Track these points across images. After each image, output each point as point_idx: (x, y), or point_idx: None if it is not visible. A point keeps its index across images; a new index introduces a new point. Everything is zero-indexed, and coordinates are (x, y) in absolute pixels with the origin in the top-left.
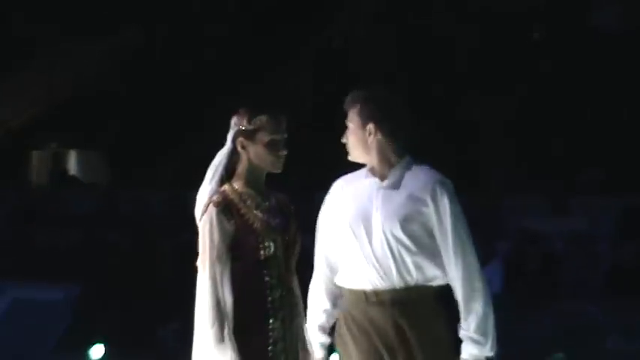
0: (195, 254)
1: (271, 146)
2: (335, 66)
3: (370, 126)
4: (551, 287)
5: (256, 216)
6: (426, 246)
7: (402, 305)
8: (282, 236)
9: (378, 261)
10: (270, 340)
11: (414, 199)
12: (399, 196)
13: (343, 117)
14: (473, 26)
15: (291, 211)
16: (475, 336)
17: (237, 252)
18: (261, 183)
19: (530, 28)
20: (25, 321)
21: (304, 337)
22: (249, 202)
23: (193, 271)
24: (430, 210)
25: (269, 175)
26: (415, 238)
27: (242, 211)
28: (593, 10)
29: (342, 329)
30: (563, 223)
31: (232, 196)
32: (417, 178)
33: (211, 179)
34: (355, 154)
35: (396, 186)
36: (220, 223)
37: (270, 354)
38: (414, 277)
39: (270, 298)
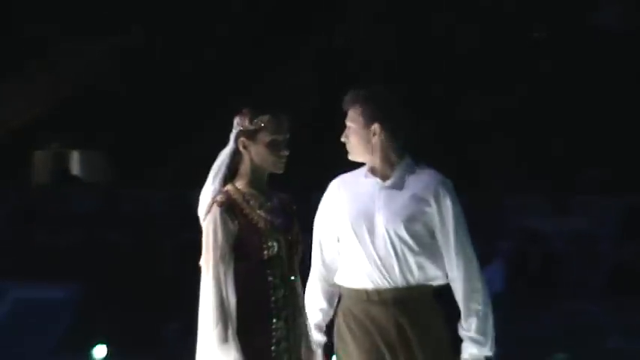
0: (197, 254)
1: (273, 146)
2: (336, 66)
3: (375, 126)
4: (552, 287)
5: (260, 216)
6: (427, 246)
7: (404, 304)
8: (286, 236)
9: (381, 260)
10: (274, 340)
11: (417, 199)
12: (402, 196)
13: (343, 117)
14: (473, 26)
15: (293, 211)
16: (475, 336)
17: (241, 252)
18: (263, 183)
19: (531, 28)
20: (27, 321)
21: (308, 336)
22: (252, 202)
23: (195, 271)
24: (433, 210)
25: (271, 174)
26: (418, 238)
27: (245, 211)
28: (594, 10)
29: (341, 327)
30: (563, 223)
31: (236, 196)
32: (419, 178)
33: (214, 179)
34: (357, 154)
35: (398, 186)
36: (224, 222)
37: (274, 354)
38: (416, 277)
39: (273, 298)
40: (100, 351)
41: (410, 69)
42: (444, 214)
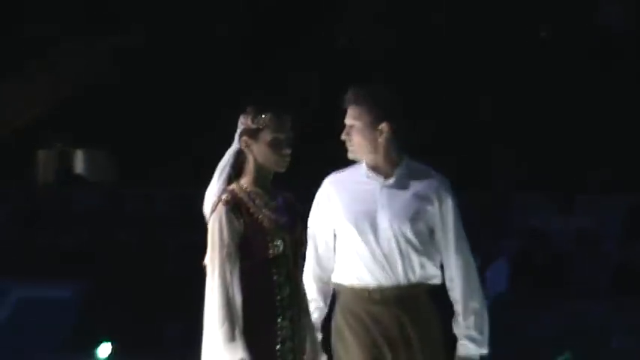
0: (202, 253)
1: (274, 145)
2: (340, 66)
3: (383, 125)
4: (556, 286)
5: (265, 215)
6: (428, 245)
7: (405, 302)
8: (291, 235)
9: (385, 258)
10: (279, 339)
11: (419, 198)
12: (405, 195)
13: (343, 115)
14: (478, 25)
15: (298, 210)
16: (473, 334)
17: (246, 251)
18: (268, 182)
19: (537, 27)
20: (31, 320)
21: (312, 335)
22: (257, 200)
23: (200, 270)
24: (435, 209)
25: (276, 173)
26: (420, 237)
27: (251, 209)
28: (601, 10)
29: (340, 326)
30: (568, 222)
31: (241, 194)
32: (420, 176)
33: (219, 178)
34: (360, 153)
35: (400, 185)
36: (230, 221)
37: (278, 353)
38: (417, 275)
39: (278, 297)
40: (104, 350)
41: (415, 68)
42: (445, 213)
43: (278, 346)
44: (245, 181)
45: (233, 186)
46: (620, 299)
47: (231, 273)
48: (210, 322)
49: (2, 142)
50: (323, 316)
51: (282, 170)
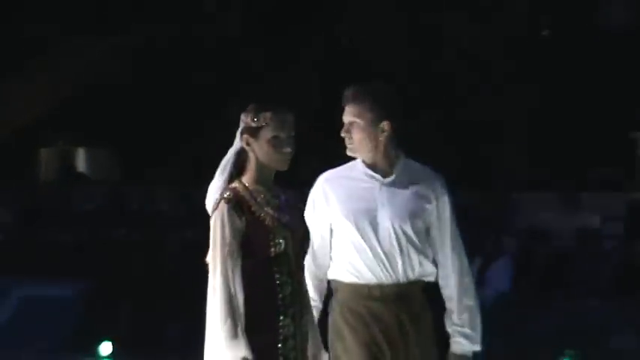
0: (203, 251)
1: (275, 143)
2: (341, 65)
3: (384, 123)
4: (559, 285)
5: (267, 213)
6: (425, 242)
7: (403, 299)
8: (293, 233)
9: (385, 255)
10: (281, 338)
11: (418, 196)
12: (405, 193)
13: (341, 113)
14: (483, 24)
15: (300, 208)
16: (467, 331)
17: (248, 249)
18: (270, 180)
19: (539, 26)
20: (33, 319)
21: (314, 333)
22: (259, 198)
23: (201, 268)
24: (433, 207)
25: (278, 172)
26: (419, 234)
27: (253, 208)
28: (601, 8)
29: (338, 323)
30: (572, 220)
31: (243, 192)
32: (418, 174)
33: (220, 176)
34: (360, 151)
35: (399, 182)
36: (231, 219)
37: (281, 351)
38: (416, 272)
39: (280, 295)
40: (105, 348)
41: (418, 67)
42: (442, 212)
43: (280, 344)
44: (247, 179)
45: (235, 184)
46: (622, 298)
47: (233, 271)
48: (212, 320)
49: (4, 141)
50: (318, 314)
51: (284, 169)
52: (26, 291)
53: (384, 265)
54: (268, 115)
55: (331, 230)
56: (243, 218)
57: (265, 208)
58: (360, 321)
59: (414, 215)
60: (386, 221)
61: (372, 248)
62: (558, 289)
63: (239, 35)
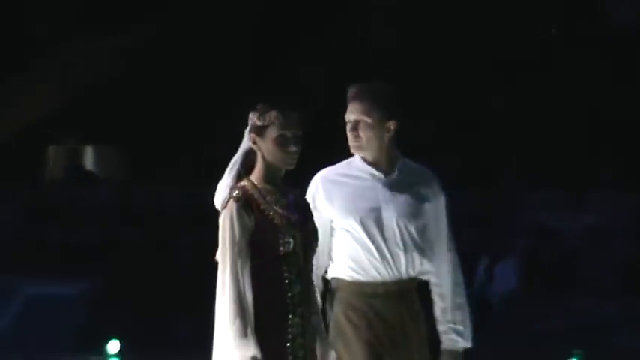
0: (211, 250)
1: (280, 142)
2: (347, 64)
3: (391, 123)
4: (565, 284)
5: (276, 212)
6: (424, 240)
7: (405, 296)
8: (301, 232)
9: (390, 254)
10: (289, 336)
11: (419, 195)
12: (407, 192)
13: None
14: (489, 23)
15: (308, 207)
16: (460, 328)
17: (257, 248)
18: (278, 179)
19: (548, 25)
20: (41, 317)
21: (321, 332)
22: (268, 197)
23: (208, 267)
24: (431, 206)
25: (287, 171)
26: (420, 233)
27: (262, 206)
28: (610, 7)
29: (340, 321)
30: (577, 220)
31: (252, 191)
32: (416, 174)
33: (229, 174)
34: (368, 149)
35: (401, 181)
36: (240, 218)
37: (289, 350)
38: (416, 270)
39: (289, 294)
40: (113, 346)
41: (425, 64)
42: (439, 210)
43: (289, 343)
44: (255, 178)
45: (244, 183)
46: (628, 296)
47: (242, 270)
48: (221, 319)
49: (12, 139)
50: None
51: (290, 168)
52: (34, 290)
53: (388, 262)
54: (274, 114)
55: (332, 229)
56: (252, 217)
57: (274, 207)
58: (362, 319)
59: (416, 214)
60: (391, 220)
61: (377, 246)
62: (565, 287)
63: (246, 35)
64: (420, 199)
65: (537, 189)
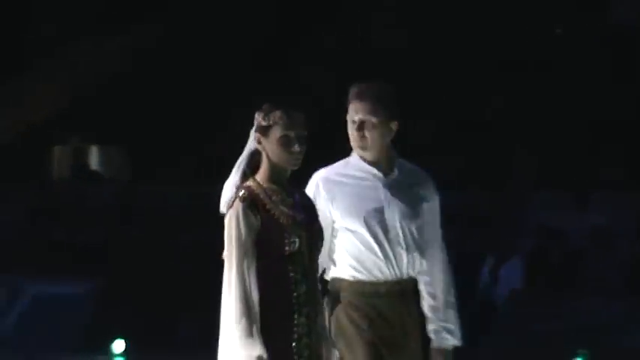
0: (216, 250)
1: (284, 142)
2: (347, 64)
3: (394, 123)
4: (571, 284)
5: (282, 211)
6: (422, 240)
7: (404, 295)
8: (307, 231)
9: (393, 253)
10: (295, 336)
11: (417, 195)
12: (405, 192)
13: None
14: (493, 22)
15: (314, 207)
16: (452, 326)
17: (263, 247)
18: (284, 178)
19: (552, 25)
20: (46, 317)
21: (325, 332)
22: (274, 197)
23: (214, 267)
24: (428, 206)
25: (293, 171)
26: (420, 233)
27: (268, 206)
28: (614, 7)
29: (342, 320)
30: (583, 220)
31: (258, 191)
32: (413, 174)
33: (235, 174)
34: (374, 149)
35: (401, 181)
36: (247, 218)
37: (295, 349)
38: (415, 270)
39: (295, 294)
40: (118, 346)
41: (427, 67)
42: (434, 210)
43: (294, 343)
44: (261, 178)
45: (250, 182)
46: (634, 297)
47: (248, 269)
48: (227, 318)
49: (17, 139)
50: None
51: (294, 168)
52: (39, 289)
53: (391, 262)
54: (278, 114)
55: (333, 229)
56: (258, 217)
57: (280, 207)
58: (364, 319)
59: (416, 214)
60: (394, 220)
61: (381, 246)
62: (571, 287)
63: (251, 36)
64: (418, 199)
65: (543, 189)
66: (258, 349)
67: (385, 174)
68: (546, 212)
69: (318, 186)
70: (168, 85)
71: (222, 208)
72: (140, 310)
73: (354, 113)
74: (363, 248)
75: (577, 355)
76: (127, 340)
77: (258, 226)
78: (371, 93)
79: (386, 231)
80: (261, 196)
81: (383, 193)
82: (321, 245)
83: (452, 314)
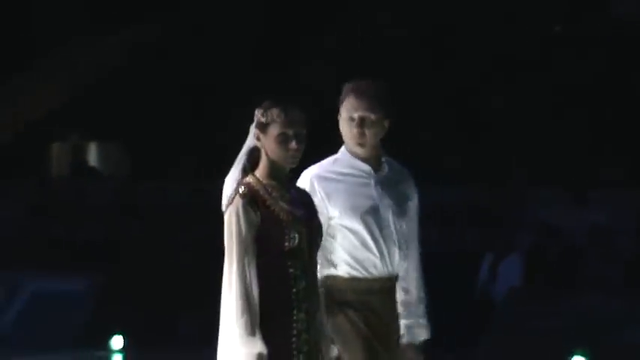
0: (215, 246)
1: (281, 140)
2: (356, 63)
3: (387, 121)
4: (570, 281)
5: (281, 207)
6: (408, 236)
7: (392, 292)
8: (307, 227)
9: (387, 250)
10: (294, 332)
11: (404, 193)
12: (395, 189)
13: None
14: (495, 19)
15: (313, 203)
16: (424, 321)
17: (263, 243)
18: (282, 175)
19: (551, 22)
20: (45, 313)
21: (323, 328)
22: (274, 193)
23: (213, 263)
24: (412, 203)
25: (293, 168)
26: (407, 229)
27: (268, 202)
28: (614, 3)
29: (337, 316)
30: (582, 217)
31: (257, 187)
32: (399, 172)
33: (235, 169)
34: (371, 146)
35: (389, 179)
36: (246, 214)
37: (294, 345)
38: (402, 266)
39: (294, 290)
40: (117, 342)
41: (431, 61)
42: (415, 207)
43: (294, 339)
44: (260, 174)
45: (249, 179)
46: (632, 294)
47: (249, 266)
48: (227, 316)
49: (17, 136)
50: None
51: (292, 166)
52: (38, 286)
53: (385, 259)
54: (276, 111)
55: (329, 227)
56: (258, 213)
57: (280, 203)
58: (359, 315)
59: (404, 211)
60: (387, 217)
61: (377, 243)
62: (569, 285)
63: (251, 33)
64: (405, 197)
65: (542, 187)
66: (258, 347)
67: (375, 171)
68: (546, 210)
69: (313, 184)
70: (167, 82)
71: (224, 204)
72: (139, 306)
73: (353, 110)
74: (359, 245)
75: (577, 352)
76: (126, 337)
77: (258, 223)
78: (370, 90)
79: (381, 228)
80: (261, 192)
81: (375, 191)
82: (320, 241)
83: (423, 309)
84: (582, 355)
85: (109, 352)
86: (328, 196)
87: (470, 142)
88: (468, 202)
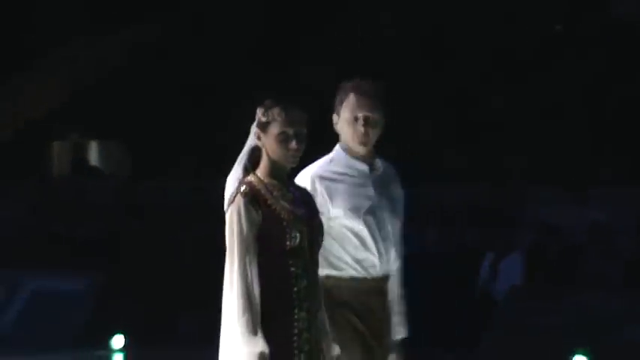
0: (215, 245)
1: (281, 139)
2: (356, 63)
3: (384, 121)
4: (570, 279)
5: (282, 206)
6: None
7: (387, 290)
8: (308, 227)
9: (385, 249)
10: (295, 331)
11: (396, 192)
12: (388, 188)
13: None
14: (495, 18)
15: (313, 202)
16: (404, 319)
17: (264, 242)
18: (283, 174)
19: (551, 21)
20: (46, 312)
21: (325, 326)
22: (275, 192)
23: (213, 262)
24: (400, 202)
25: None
26: (399, 228)
27: (269, 201)
28: (614, 2)
29: (334, 316)
30: (582, 215)
31: (259, 186)
32: (389, 170)
33: (236, 169)
34: (370, 145)
35: (384, 178)
36: (248, 213)
37: (295, 344)
38: (397, 265)
39: (295, 289)
40: (118, 341)
41: (432, 60)
42: (402, 206)
43: (295, 337)
44: (261, 173)
45: (250, 178)
46: (632, 292)
47: (250, 265)
48: (228, 314)
49: (17, 135)
50: None
51: (292, 165)
52: (39, 284)
53: (383, 259)
54: (277, 110)
55: (330, 227)
56: (260, 212)
57: (281, 202)
58: (356, 314)
59: (397, 210)
60: (384, 217)
61: (376, 243)
62: (570, 283)
63: (252, 33)
64: (396, 196)
65: (542, 185)
66: (260, 345)
67: (371, 170)
68: (546, 208)
69: (314, 183)
70: (167, 82)
71: (225, 203)
72: (140, 305)
73: (358, 110)
74: (359, 245)
75: (577, 350)
76: (127, 336)
77: (260, 221)
78: (372, 90)
79: (380, 228)
80: (263, 191)
81: (372, 190)
82: (322, 240)
83: (404, 306)
84: (582, 352)
85: (110, 351)
86: (330, 196)
87: (470, 142)
88: (468, 201)
